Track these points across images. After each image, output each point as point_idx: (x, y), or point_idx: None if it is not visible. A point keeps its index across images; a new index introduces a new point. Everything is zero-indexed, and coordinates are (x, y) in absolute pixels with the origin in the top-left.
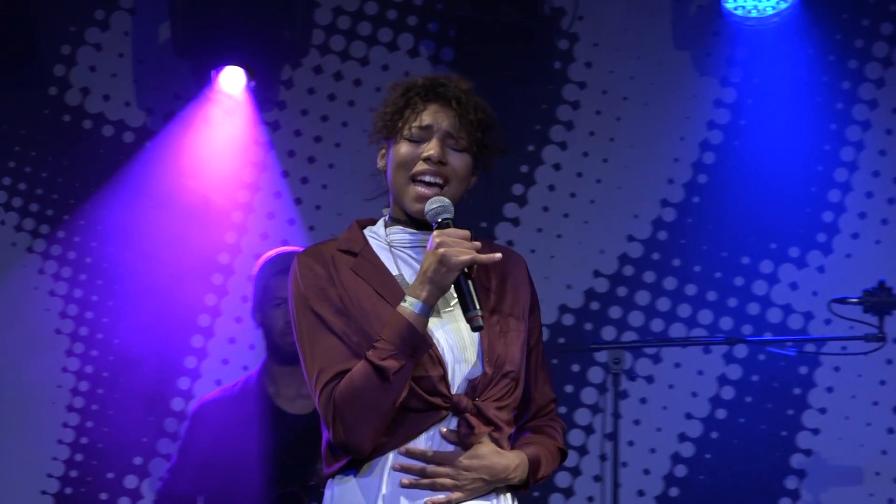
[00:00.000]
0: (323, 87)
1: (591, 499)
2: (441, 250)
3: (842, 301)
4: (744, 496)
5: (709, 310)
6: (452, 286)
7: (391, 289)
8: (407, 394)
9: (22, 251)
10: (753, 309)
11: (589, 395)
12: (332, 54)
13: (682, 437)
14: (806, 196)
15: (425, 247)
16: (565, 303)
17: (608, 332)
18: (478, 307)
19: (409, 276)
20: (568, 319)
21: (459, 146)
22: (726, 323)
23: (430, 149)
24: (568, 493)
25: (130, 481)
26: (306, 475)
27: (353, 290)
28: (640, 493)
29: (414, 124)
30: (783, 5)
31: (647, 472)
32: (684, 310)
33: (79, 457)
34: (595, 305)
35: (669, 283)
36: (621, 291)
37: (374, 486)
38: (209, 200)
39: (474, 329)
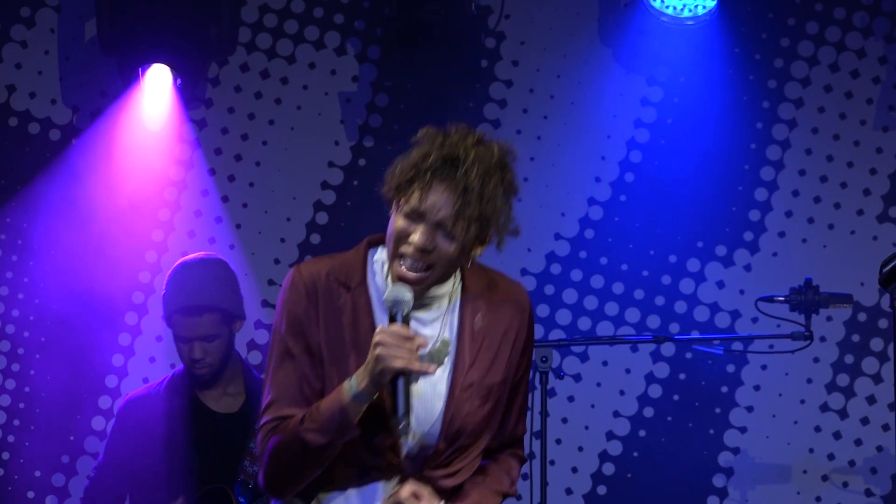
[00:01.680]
0: (249, 85)
1: (518, 497)
2: (377, 350)
3: (768, 300)
4: (672, 494)
5: (636, 308)
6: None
7: (362, 337)
8: (358, 446)
9: None
10: (680, 307)
11: None
12: (259, 52)
13: (610, 436)
14: (732, 195)
15: (420, 303)
16: None
17: (536, 331)
18: (401, 413)
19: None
20: None
21: (450, 237)
22: (653, 321)
23: (416, 237)
24: None
25: (58, 479)
26: (233, 472)
27: (331, 329)
28: (568, 492)
29: (413, 203)
30: (711, 3)
31: (574, 470)
32: (611, 308)
33: (5, 455)
34: None
35: (597, 281)
36: (549, 290)
37: None
38: (136, 198)
39: (400, 434)
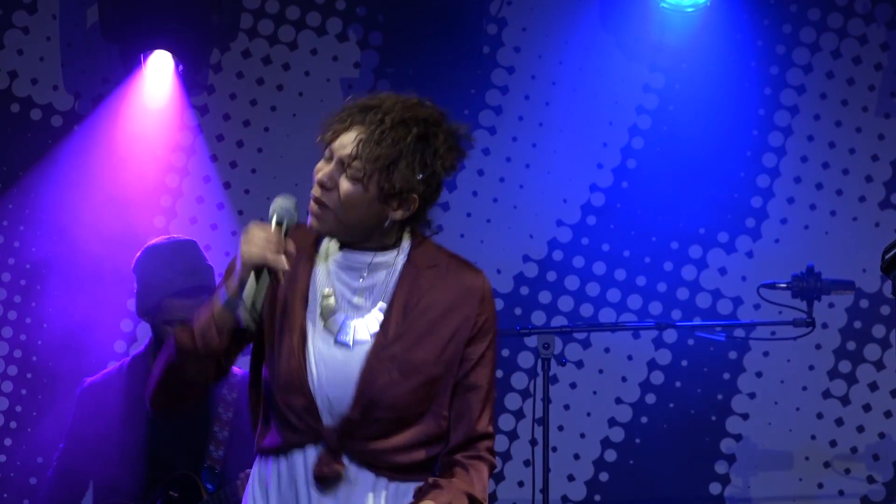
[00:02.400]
0: (251, 72)
1: (521, 483)
2: (241, 242)
3: (770, 286)
4: (673, 481)
5: (638, 295)
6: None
7: (298, 302)
8: (280, 407)
9: None
10: (682, 294)
11: (519, 379)
12: (261, 38)
13: (612, 422)
14: (734, 181)
15: (354, 267)
16: (495, 287)
17: (538, 317)
18: (243, 297)
19: (334, 289)
20: (497, 304)
21: (349, 177)
22: (655, 308)
23: (320, 170)
24: (498, 477)
25: None
26: (199, 458)
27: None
28: (570, 478)
29: (327, 141)
30: None
31: (576, 456)
32: (613, 294)
33: (8, 441)
34: (524, 290)
35: (599, 267)
36: (551, 276)
37: (260, 480)
38: (138, 184)
39: (243, 326)
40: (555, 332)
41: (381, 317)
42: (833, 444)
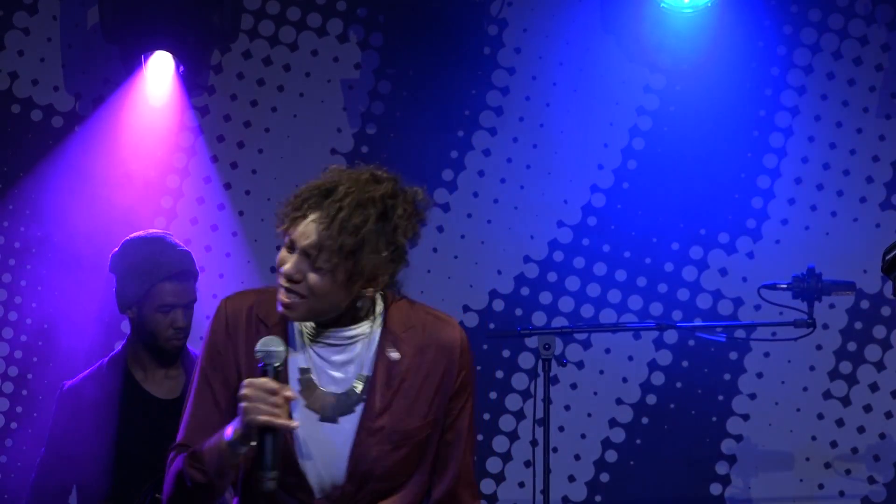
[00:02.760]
0: (252, 72)
1: (521, 484)
2: (242, 404)
3: (771, 287)
4: (674, 481)
5: (639, 295)
6: None
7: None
8: (274, 490)
9: None
10: (683, 295)
11: (519, 380)
12: (261, 39)
13: (613, 423)
14: (735, 182)
15: (330, 343)
16: (495, 288)
17: (538, 318)
18: (268, 468)
19: (312, 366)
20: (498, 305)
21: (317, 266)
22: (656, 308)
23: (286, 265)
24: (499, 478)
25: None
26: None
27: (250, 365)
28: (571, 479)
29: (288, 232)
30: None
31: (577, 457)
32: (614, 295)
33: (8, 442)
34: (525, 291)
35: (599, 268)
36: (551, 277)
37: None
38: (138, 185)
39: (265, 489)
40: (555, 332)
41: (364, 390)
42: (834, 444)
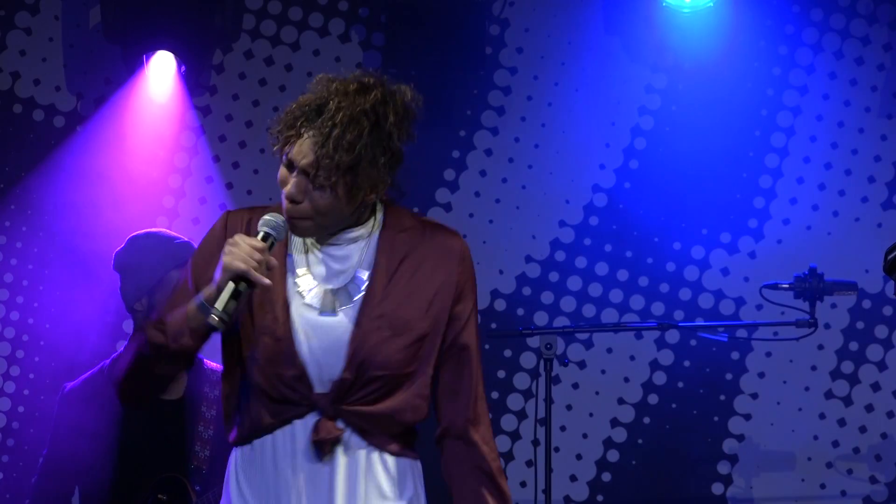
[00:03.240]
0: (254, 72)
1: (523, 483)
2: (224, 253)
3: (773, 287)
4: (676, 481)
5: (640, 295)
6: None
7: (276, 288)
8: (268, 380)
9: None
10: (685, 294)
11: (521, 380)
12: (263, 39)
13: (615, 423)
14: (737, 182)
15: (332, 244)
16: (497, 288)
17: (540, 318)
18: (216, 305)
19: (312, 271)
20: (500, 305)
21: (317, 185)
22: (658, 308)
23: (288, 186)
24: None
25: None
26: (184, 459)
27: None
28: (573, 478)
29: (286, 152)
30: None
31: (579, 457)
32: (616, 295)
33: (10, 441)
34: (527, 290)
35: (601, 268)
36: (553, 276)
37: (243, 467)
38: (140, 185)
39: (212, 328)
40: (557, 332)
41: (363, 282)
42: (836, 444)
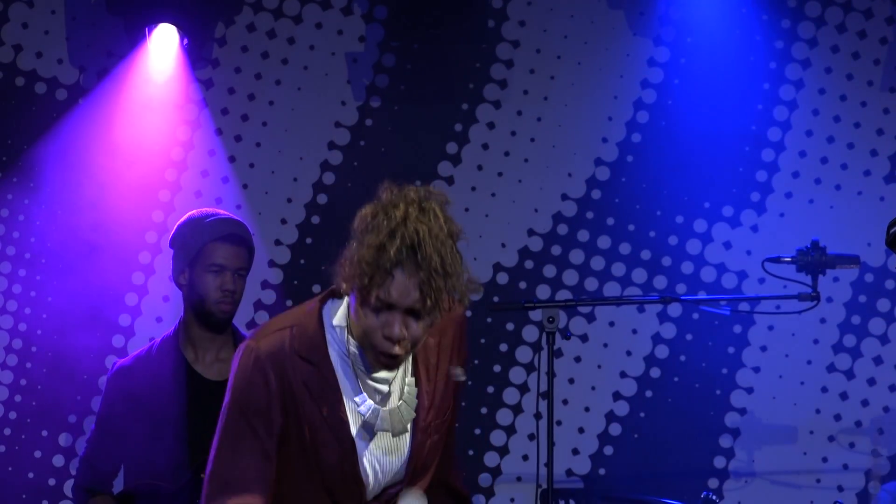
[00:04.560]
0: (256, 45)
1: (525, 457)
2: None
3: (775, 260)
4: (678, 454)
5: (643, 269)
6: None
7: (338, 416)
8: (324, 494)
9: None
10: (687, 268)
11: (523, 353)
12: (266, 12)
13: (617, 396)
14: (739, 155)
15: (381, 365)
16: (499, 261)
17: (542, 291)
18: None
19: (362, 399)
20: (502, 278)
21: (420, 318)
22: (660, 282)
23: (394, 328)
24: (503, 451)
25: (65, 439)
26: None
27: (301, 405)
28: (575, 452)
29: (381, 297)
30: None
31: (581, 430)
32: (618, 269)
33: (12, 415)
34: (529, 264)
35: (603, 241)
36: (555, 250)
37: None
38: (143, 158)
39: None
40: (559, 305)
41: (413, 399)
42: (837, 418)
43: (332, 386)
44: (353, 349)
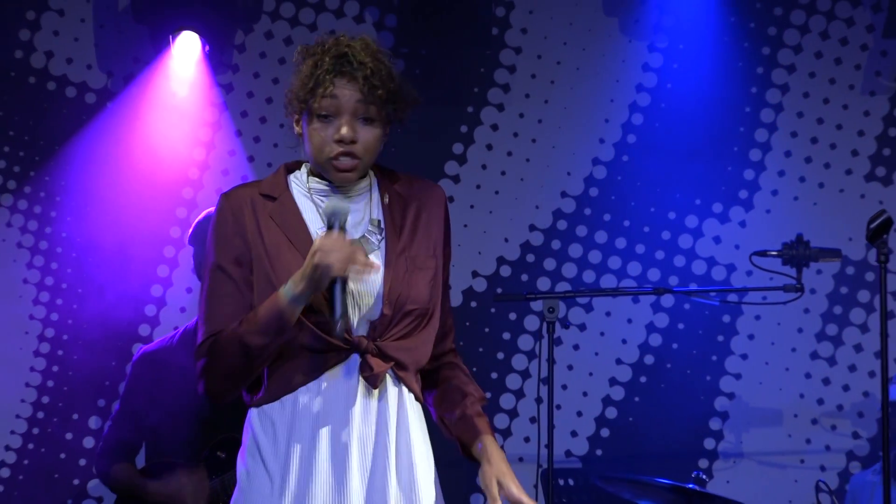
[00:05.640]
0: (274, 52)
1: (527, 439)
2: (317, 256)
3: (762, 254)
4: (670, 436)
5: (637, 262)
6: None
7: (301, 236)
8: (307, 336)
9: None
10: (679, 261)
11: (525, 341)
12: (283, 20)
13: (613, 382)
14: (728, 155)
15: (339, 177)
16: (503, 255)
17: (543, 283)
18: (338, 315)
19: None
20: (505, 271)
21: (369, 121)
22: (654, 274)
23: (342, 129)
24: (506, 433)
25: (94, 422)
26: (243, 421)
27: (266, 235)
28: (574, 434)
29: (325, 105)
30: None
31: (579, 413)
32: (614, 262)
33: (45, 399)
34: (531, 258)
35: (600, 236)
36: (555, 244)
37: (286, 419)
38: (167, 158)
39: (337, 335)
40: (559, 296)
41: (381, 228)
42: (820, 402)
43: (295, 213)
44: (312, 185)
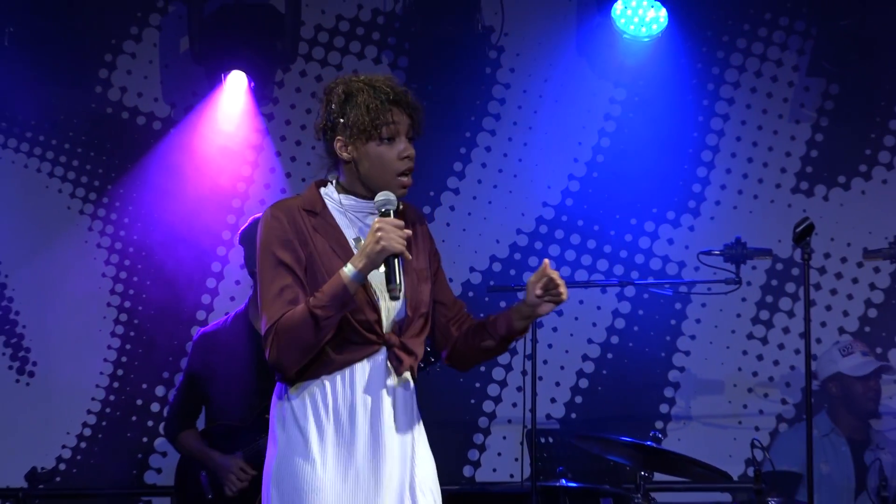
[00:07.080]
0: (307, 87)
1: (514, 405)
2: (379, 234)
3: (707, 253)
4: (632, 403)
5: (605, 259)
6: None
7: (343, 247)
8: (349, 330)
9: (75, 213)
10: (639, 259)
11: None
12: (314, 61)
13: (585, 358)
14: (680, 172)
15: (372, 213)
16: (495, 254)
17: (528, 277)
18: (398, 282)
19: (360, 235)
20: (497, 267)
21: (411, 139)
22: (619, 269)
23: (408, 150)
24: (497, 400)
25: (159, 390)
26: None
27: (312, 244)
28: (553, 400)
29: (387, 133)
30: (662, 25)
31: (557, 384)
32: (586, 259)
33: (120, 371)
34: (517, 256)
35: (575, 238)
36: (538, 245)
37: (325, 395)
38: (219, 174)
39: (392, 299)
40: None
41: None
42: (755, 374)
43: (334, 226)
44: (345, 202)
